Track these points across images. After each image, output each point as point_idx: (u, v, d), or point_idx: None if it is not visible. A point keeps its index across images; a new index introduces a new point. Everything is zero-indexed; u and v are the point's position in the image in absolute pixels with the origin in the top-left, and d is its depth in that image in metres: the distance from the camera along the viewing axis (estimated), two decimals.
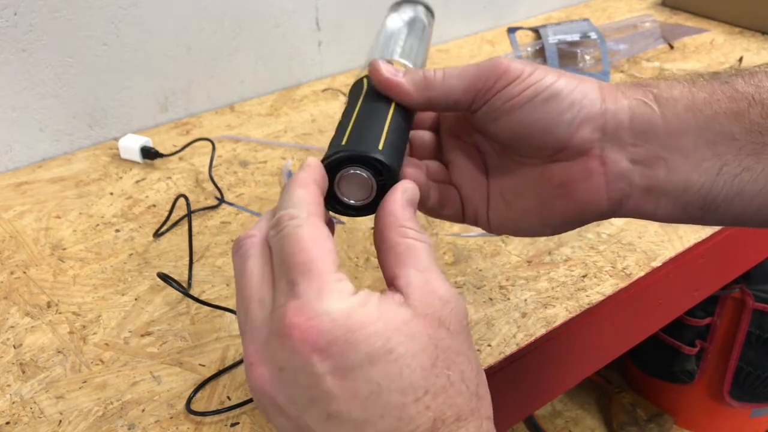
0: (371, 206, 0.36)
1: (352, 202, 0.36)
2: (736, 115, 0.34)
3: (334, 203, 0.36)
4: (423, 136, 0.43)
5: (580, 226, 0.39)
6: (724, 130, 0.34)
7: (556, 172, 0.37)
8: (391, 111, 0.38)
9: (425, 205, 0.41)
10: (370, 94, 0.39)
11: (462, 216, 0.42)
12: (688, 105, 0.34)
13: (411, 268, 0.30)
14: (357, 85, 0.42)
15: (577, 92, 0.35)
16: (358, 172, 0.35)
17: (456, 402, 0.27)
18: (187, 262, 0.58)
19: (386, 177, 0.35)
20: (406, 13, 0.54)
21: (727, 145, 0.34)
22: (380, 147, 0.35)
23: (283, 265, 0.29)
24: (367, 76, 0.41)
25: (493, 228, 0.41)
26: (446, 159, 0.43)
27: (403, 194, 0.33)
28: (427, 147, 0.43)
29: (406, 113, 0.39)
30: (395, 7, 0.55)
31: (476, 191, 0.41)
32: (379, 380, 0.26)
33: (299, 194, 0.31)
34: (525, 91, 0.35)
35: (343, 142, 0.35)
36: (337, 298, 0.27)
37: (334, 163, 0.35)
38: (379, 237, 0.32)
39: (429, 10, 0.56)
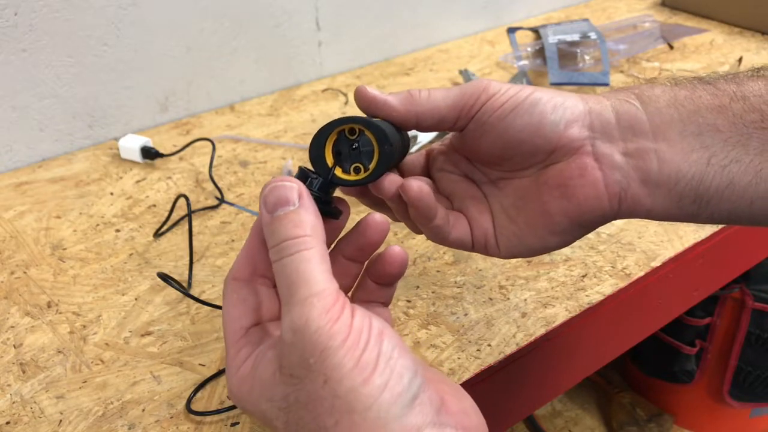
0: (372, 175, 0.37)
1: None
2: (718, 109, 0.35)
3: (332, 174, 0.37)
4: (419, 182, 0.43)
5: (586, 230, 0.39)
6: (707, 122, 0.35)
7: (552, 174, 0.38)
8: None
9: (432, 221, 0.40)
10: None
11: (471, 242, 0.42)
12: (669, 101, 0.36)
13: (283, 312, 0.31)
14: None
15: (558, 98, 0.38)
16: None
17: None
18: (187, 262, 0.58)
19: (383, 142, 0.36)
20: None
21: (712, 136, 0.35)
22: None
23: None
24: None
25: (503, 250, 0.41)
26: (445, 194, 0.43)
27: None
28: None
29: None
30: None
31: (480, 214, 0.41)
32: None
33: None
34: (508, 101, 0.37)
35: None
36: (232, 374, 0.33)
37: (330, 127, 0.36)
38: None
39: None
